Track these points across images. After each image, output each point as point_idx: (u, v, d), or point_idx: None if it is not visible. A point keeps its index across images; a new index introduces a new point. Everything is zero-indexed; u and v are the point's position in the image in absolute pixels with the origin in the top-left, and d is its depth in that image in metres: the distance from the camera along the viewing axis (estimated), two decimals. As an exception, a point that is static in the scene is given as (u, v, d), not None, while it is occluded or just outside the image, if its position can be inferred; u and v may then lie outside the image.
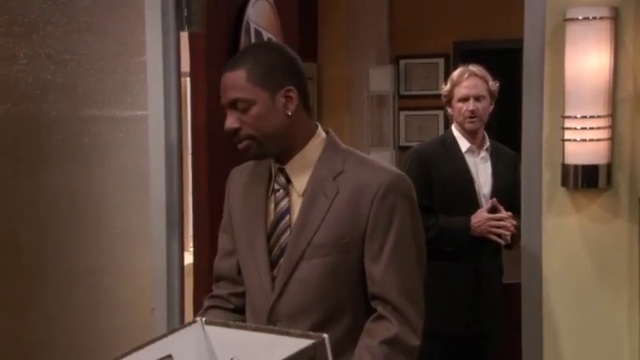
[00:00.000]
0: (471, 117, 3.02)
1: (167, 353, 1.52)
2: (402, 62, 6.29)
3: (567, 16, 2.29)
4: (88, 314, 2.61)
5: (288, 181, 1.77)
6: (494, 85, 3.09)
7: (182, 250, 2.61)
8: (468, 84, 3.04)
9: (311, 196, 1.73)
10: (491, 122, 3.24)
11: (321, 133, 1.80)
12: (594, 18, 2.26)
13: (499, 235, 2.97)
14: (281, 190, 1.77)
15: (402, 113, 6.26)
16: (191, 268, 2.78)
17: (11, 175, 2.60)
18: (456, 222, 2.99)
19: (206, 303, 1.91)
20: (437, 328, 3.04)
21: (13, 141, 2.60)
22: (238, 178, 1.89)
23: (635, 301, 2.31)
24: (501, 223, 2.96)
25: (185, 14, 2.54)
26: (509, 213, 2.98)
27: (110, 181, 2.60)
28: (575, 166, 2.30)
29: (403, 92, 6.24)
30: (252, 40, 2.85)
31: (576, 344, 2.38)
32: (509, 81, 3.29)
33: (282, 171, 1.77)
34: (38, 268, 2.59)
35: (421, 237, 1.78)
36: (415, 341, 1.70)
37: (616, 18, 2.28)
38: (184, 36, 2.59)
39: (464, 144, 3.08)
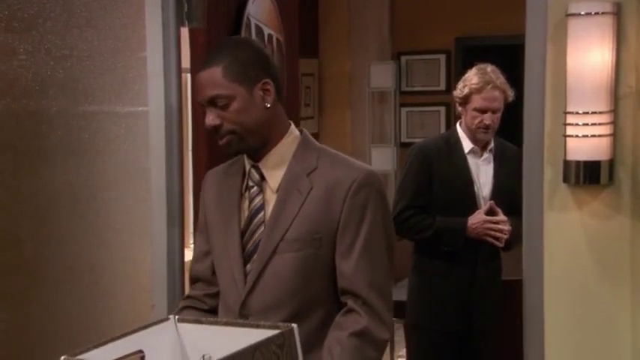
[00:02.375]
0: (485, 128, 3.00)
1: (138, 348, 1.52)
2: (403, 58, 6.28)
3: (569, 12, 2.28)
4: (89, 310, 2.61)
5: (262, 178, 1.79)
6: (511, 95, 3.04)
7: (183, 246, 2.61)
8: (489, 96, 2.98)
9: (285, 192, 1.75)
10: None
11: (294, 130, 1.83)
12: (596, 13, 2.25)
13: (496, 238, 2.95)
14: (255, 187, 1.79)
15: (404, 109, 6.25)
16: (191, 265, 2.78)
17: (11, 170, 2.60)
18: (452, 222, 2.98)
19: (181, 303, 1.93)
20: (430, 325, 3.05)
21: (13, 137, 2.60)
22: (212, 179, 1.92)
23: (638, 298, 2.30)
24: (498, 226, 2.94)
25: (185, 9, 2.53)
26: (505, 217, 2.96)
27: (110, 177, 2.60)
28: (577, 162, 2.29)
29: (404, 88, 6.24)
30: (253, 35, 2.85)
31: (578, 342, 2.37)
32: (511, 77, 3.28)
33: (256, 168, 1.80)
34: (39, 263, 2.59)
35: (392, 232, 1.82)
36: (384, 334, 1.73)
37: (618, 13, 2.27)
38: (185, 31, 2.59)
39: (467, 144, 3.06)
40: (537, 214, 2.39)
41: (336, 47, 6.29)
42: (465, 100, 3.02)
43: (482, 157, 3.07)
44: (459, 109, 3.08)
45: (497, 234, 2.95)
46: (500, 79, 3.02)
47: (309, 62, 6.09)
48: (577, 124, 2.27)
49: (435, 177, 3.02)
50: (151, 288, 2.56)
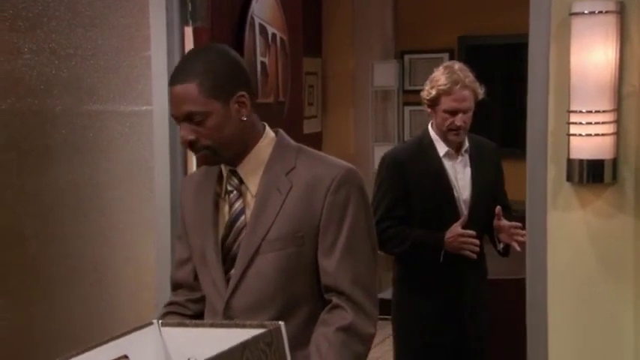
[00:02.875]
0: (456, 130, 2.84)
1: (123, 354, 1.51)
2: (406, 57, 6.27)
3: (573, 10, 2.28)
4: (92, 309, 2.61)
5: (241, 182, 1.78)
6: (481, 92, 2.88)
7: (186, 245, 2.61)
8: (458, 97, 2.80)
9: (265, 192, 1.75)
10: (497, 118, 3.16)
11: (269, 132, 1.81)
12: (600, 12, 2.24)
13: (472, 251, 2.81)
14: (234, 192, 1.79)
15: (407, 108, 6.25)
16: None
17: (16, 169, 2.60)
18: (430, 238, 2.84)
19: (163, 310, 1.92)
20: (422, 340, 2.92)
21: (18, 135, 2.61)
22: (189, 185, 1.91)
23: (641, 296, 2.30)
24: (472, 240, 2.79)
25: (189, 9, 2.53)
26: (472, 232, 2.80)
27: (114, 175, 2.60)
28: (581, 161, 2.29)
29: (407, 87, 6.23)
30: (257, 34, 2.84)
31: (582, 338, 2.37)
32: (514, 76, 3.23)
33: (234, 173, 1.79)
34: (43, 262, 2.59)
35: (373, 228, 1.81)
36: (371, 329, 1.72)
37: (622, 12, 2.27)
38: (189, 31, 2.58)
39: (441, 147, 2.88)
40: (541, 213, 2.39)
41: (340, 46, 6.28)
42: (434, 102, 2.85)
43: (459, 160, 2.91)
44: (428, 110, 2.90)
45: (472, 247, 2.80)
46: (468, 77, 2.84)
47: (313, 61, 6.08)
48: (580, 123, 2.27)
49: (412, 186, 2.86)
50: (155, 287, 2.56)
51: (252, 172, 1.77)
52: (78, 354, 1.47)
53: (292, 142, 1.82)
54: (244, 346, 1.44)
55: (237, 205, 1.77)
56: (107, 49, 2.55)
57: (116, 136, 2.60)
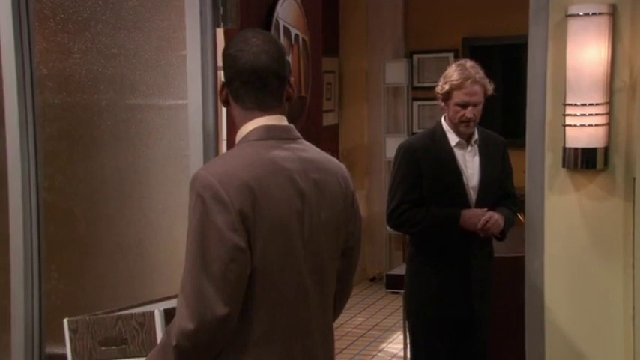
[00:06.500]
0: (467, 122, 2.85)
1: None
2: (415, 57, 6.26)
3: (569, 12, 2.27)
4: (135, 282, 2.64)
5: None
6: (490, 88, 2.88)
7: (218, 225, 2.62)
8: (469, 91, 2.80)
9: None
10: (498, 110, 3.15)
11: (247, 128, 1.77)
12: (594, 14, 2.23)
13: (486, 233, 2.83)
14: None
15: (415, 103, 6.24)
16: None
17: (67, 156, 2.63)
18: (447, 214, 2.84)
19: None
20: (434, 315, 2.92)
21: (69, 126, 2.63)
22: None
23: (629, 271, 2.30)
24: (487, 225, 2.80)
25: (221, 12, 2.53)
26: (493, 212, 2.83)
27: (154, 162, 2.62)
28: (575, 149, 2.29)
29: (416, 84, 6.22)
30: (281, 35, 2.85)
31: (575, 308, 2.38)
32: (513, 73, 3.22)
33: None
34: (91, 239, 2.62)
35: (200, 233, 1.67)
36: (171, 340, 1.55)
37: (613, 14, 2.26)
38: (220, 32, 2.59)
39: (453, 138, 2.89)
40: (539, 196, 2.39)
41: (355, 47, 6.28)
42: (447, 96, 2.85)
43: (468, 150, 2.91)
44: (442, 104, 2.91)
45: (489, 232, 2.83)
46: (479, 73, 2.84)
47: (331, 60, 6.08)
48: (575, 115, 2.27)
49: (425, 173, 2.88)
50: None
51: None
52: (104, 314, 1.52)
53: (248, 143, 1.71)
54: (118, 318, 1.54)
55: None
56: (147, 49, 2.56)
57: (155, 127, 2.62)
